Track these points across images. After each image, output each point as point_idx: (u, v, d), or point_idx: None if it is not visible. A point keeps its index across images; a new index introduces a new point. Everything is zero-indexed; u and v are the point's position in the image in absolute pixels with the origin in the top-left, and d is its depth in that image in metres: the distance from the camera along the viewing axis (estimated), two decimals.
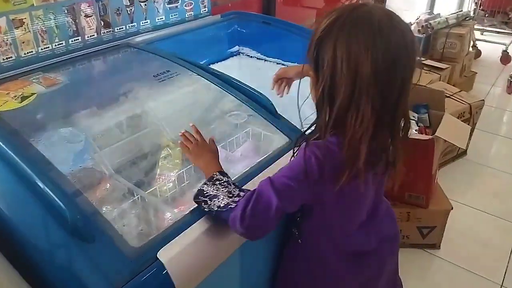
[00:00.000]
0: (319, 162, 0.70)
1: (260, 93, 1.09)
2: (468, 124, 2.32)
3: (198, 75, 1.13)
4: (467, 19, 3.24)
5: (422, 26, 3.02)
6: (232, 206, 0.74)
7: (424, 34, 3.04)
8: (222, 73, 1.16)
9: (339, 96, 0.67)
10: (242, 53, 1.75)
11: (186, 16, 1.58)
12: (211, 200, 0.76)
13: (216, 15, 1.68)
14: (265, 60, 1.69)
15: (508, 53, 3.68)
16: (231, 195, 0.76)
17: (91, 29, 1.26)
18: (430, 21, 3.05)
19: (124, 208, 0.98)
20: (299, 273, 0.91)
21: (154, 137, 1.26)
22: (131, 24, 1.38)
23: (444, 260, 1.78)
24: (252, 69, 1.73)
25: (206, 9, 1.65)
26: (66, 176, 0.81)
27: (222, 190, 0.77)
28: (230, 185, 0.78)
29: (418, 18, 3.31)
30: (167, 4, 1.48)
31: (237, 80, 1.13)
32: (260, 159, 1.07)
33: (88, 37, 1.27)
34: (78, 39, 1.24)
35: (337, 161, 0.70)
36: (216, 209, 0.75)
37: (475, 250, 1.83)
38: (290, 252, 0.91)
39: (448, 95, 2.34)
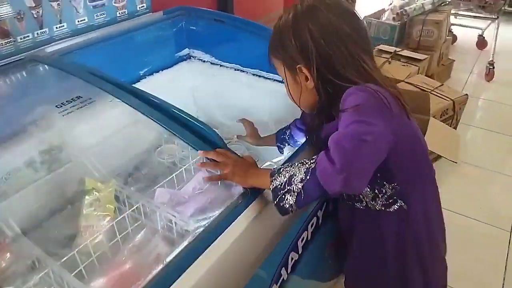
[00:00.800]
0: (379, 92, 0.69)
1: (204, 124, 0.82)
2: (451, 123, 2.12)
3: (120, 100, 0.84)
4: (443, 4, 3.03)
5: (397, 14, 2.79)
6: (313, 166, 0.66)
7: (399, 22, 2.82)
8: (153, 98, 0.87)
9: (338, 61, 0.74)
10: (193, 56, 1.46)
11: (118, 15, 1.28)
12: (290, 184, 0.68)
13: (157, 11, 1.38)
14: (220, 65, 1.41)
15: (484, 37, 3.51)
16: (304, 163, 0.69)
17: None
18: (405, 8, 2.82)
19: None
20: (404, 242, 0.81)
21: (75, 178, 0.97)
22: (41, 31, 1.07)
23: None
24: (206, 76, 1.45)
25: (144, 5, 1.35)
26: None
27: (293, 168, 0.69)
28: (296, 162, 0.70)
29: (391, 4, 3.07)
30: (89, 2, 1.16)
31: (174, 107, 0.85)
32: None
33: None
34: None
35: (386, 93, 0.71)
36: (302, 184, 0.67)
37: (468, 268, 1.64)
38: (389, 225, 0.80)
39: (428, 90, 2.13)
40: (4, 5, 0.97)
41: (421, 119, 1.62)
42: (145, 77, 1.33)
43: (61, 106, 0.80)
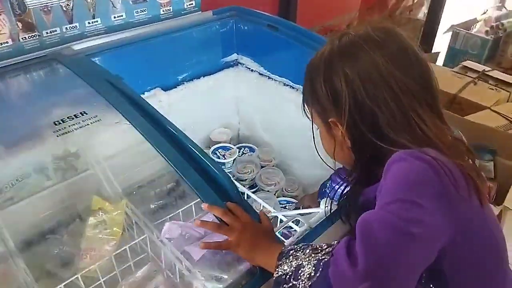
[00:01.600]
0: (441, 163, 0.49)
1: (221, 171, 0.65)
2: None
3: (128, 123, 0.70)
4: None
5: (492, 27, 2.41)
6: (326, 259, 0.49)
7: (493, 36, 2.43)
8: (170, 126, 0.72)
9: (384, 119, 0.56)
10: (241, 63, 1.30)
11: (161, 12, 1.15)
12: (296, 278, 0.50)
13: (207, 11, 1.23)
14: (269, 77, 1.24)
15: None
16: (317, 251, 0.51)
17: (1, 33, 0.87)
18: (502, 21, 2.42)
19: None
20: None
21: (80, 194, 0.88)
22: (70, 26, 0.97)
23: None
24: (252, 87, 1.29)
25: (193, 2, 1.21)
26: None
27: (303, 254, 0.52)
28: (309, 245, 0.53)
29: (484, 13, 2.68)
30: None
31: (191, 142, 0.69)
32: None
33: None
34: None
35: (451, 165, 0.50)
36: (309, 284, 0.48)
37: None
38: None
39: None
40: None
41: (506, 166, 1.32)
42: (183, 83, 1.20)
43: (59, 124, 0.68)
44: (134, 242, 0.85)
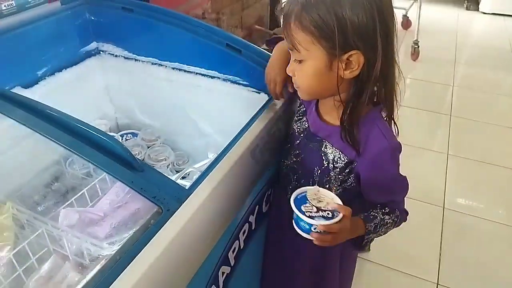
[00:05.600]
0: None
1: (108, 136, 0.69)
2: None
3: (7, 116, 0.68)
4: None
5: None
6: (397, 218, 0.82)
7: None
8: (48, 109, 0.72)
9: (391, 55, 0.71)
10: (103, 51, 1.29)
11: (3, 8, 1.08)
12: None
13: (54, 1, 1.19)
14: (135, 60, 1.26)
15: (408, 17, 3.63)
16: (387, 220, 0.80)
17: None
18: None
19: None
20: None
21: None
22: None
23: (376, 264, 1.59)
24: (120, 72, 1.30)
25: None
26: None
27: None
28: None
29: None
30: None
31: (73, 119, 0.70)
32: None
33: None
34: None
35: None
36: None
37: (406, 248, 1.66)
38: None
39: None
40: None
41: None
42: (45, 78, 1.15)
43: None
44: (28, 241, 0.82)
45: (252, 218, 0.86)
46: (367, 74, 0.68)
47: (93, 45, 1.28)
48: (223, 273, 0.78)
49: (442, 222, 1.78)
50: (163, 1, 1.42)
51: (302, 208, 0.63)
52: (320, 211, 0.63)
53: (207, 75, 1.16)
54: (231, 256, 0.80)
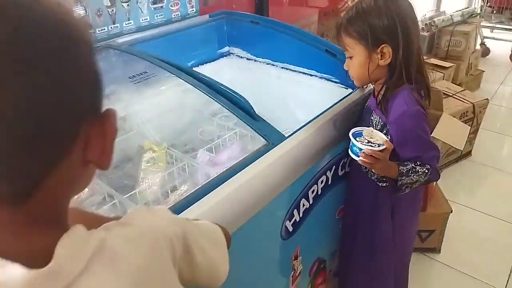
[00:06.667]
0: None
1: (239, 95, 1.05)
2: (472, 124, 2.24)
3: (175, 75, 1.10)
4: (473, 16, 3.15)
5: (426, 24, 2.94)
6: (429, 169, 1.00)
7: (428, 32, 2.97)
8: (199, 74, 1.12)
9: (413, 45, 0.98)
10: (232, 53, 1.72)
11: (173, 16, 1.56)
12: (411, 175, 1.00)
13: (204, 15, 1.65)
14: (255, 61, 1.65)
15: None
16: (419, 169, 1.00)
17: None
18: (434, 19, 2.97)
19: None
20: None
21: (137, 140, 1.23)
22: (113, 25, 1.36)
23: (444, 265, 1.72)
24: (242, 69, 1.70)
25: (194, 9, 1.63)
26: None
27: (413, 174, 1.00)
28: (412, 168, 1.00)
29: (423, 16, 3.23)
30: (152, 4, 1.45)
31: (214, 80, 1.09)
32: (234, 162, 1.04)
33: None
34: None
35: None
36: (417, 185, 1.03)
37: (477, 255, 1.76)
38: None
39: (450, 94, 2.27)
40: (90, 3, 1.26)
41: (434, 115, 1.78)
42: (192, 68, 1.59)
43: (133, 78, 1.06)
44: (175, 167, 1.21)
45: (329, 174, 1.15)
46: (395, 60, 0.96)
47: (226, 48, 1.71)
48: (303, 204, 1.07)
49: None
50: (281, 18, 1.81)
51: (357, 139, 0.93)
52: (369, 143, 0.91)
53: (307, 74, 1.49)
54: (310, 195, 1.09)
